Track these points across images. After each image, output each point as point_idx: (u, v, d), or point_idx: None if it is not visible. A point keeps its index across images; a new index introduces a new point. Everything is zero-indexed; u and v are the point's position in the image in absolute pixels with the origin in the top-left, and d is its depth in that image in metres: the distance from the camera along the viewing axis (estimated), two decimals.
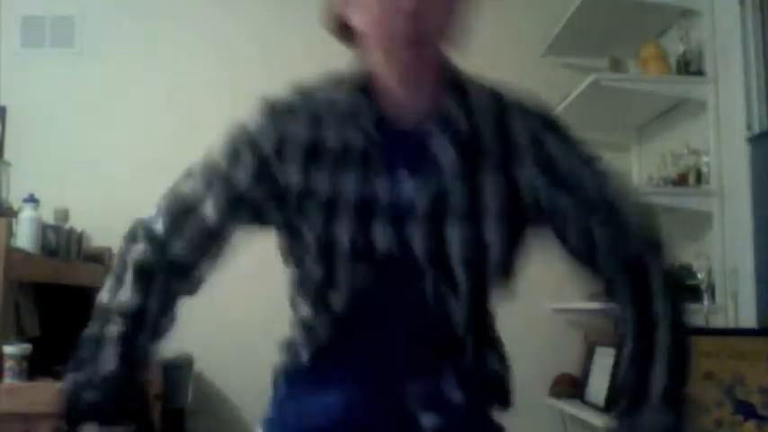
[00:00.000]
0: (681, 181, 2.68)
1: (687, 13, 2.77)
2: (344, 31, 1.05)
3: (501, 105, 1.07)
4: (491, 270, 1.02)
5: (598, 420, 2.62)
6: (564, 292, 3.18)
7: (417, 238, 0.98)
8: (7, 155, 3.22)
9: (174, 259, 1.04)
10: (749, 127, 2.39)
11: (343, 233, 0.97)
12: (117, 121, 3.43)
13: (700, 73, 2.65)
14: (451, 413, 1.03)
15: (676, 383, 0.98)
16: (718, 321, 2.40)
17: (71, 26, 3.50)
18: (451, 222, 0.98)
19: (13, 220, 2.48)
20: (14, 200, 2.68)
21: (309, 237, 0.99)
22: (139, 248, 1.04)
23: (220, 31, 3.50)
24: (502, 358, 1.14)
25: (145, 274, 1.03)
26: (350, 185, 0.98)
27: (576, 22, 3.04)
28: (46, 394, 2.24)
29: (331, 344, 1.03)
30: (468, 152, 1.01)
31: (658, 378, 0.98)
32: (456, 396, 1.04)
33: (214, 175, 1.05)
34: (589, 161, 1.06)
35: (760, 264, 2.29)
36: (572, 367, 3.17)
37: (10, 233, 2.37)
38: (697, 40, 2.70)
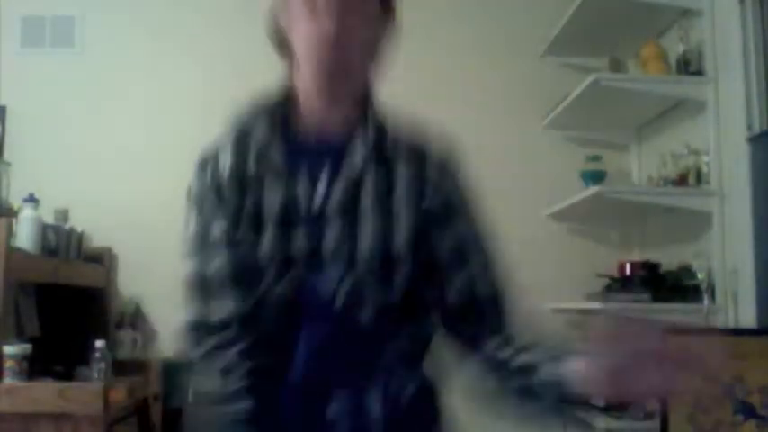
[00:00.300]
0: (681, 181, 2.68)
1: (687, 13, 2.77)
2: (283, 45, 1.15)
3: (418, 151, 1.16)
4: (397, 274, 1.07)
5: (598, 420, 2.62)
6: (564, 292, 3.19)
7: (329, 238, 1.06)
8: (7, 155, 3.22)
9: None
10: (749, 127, 2.39)
11: (267, 241, 1.06)
12: (117, 121, 3.43)
13: (700, 73, 2.65)
14: (369, 425, 1.06)
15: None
16: (718, 321, 2.40)
17: (71, 26, 3.50)
18: (363, 222, 1.06)
19: (13, 220, 2.48)
20: (14, 200, 2.69)
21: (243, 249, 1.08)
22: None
23: (221, 31, 3.49)
24: (427, 390, 1.13)
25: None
26: (272, 197, 1.08)
27: (576, 22, 3.04)
28: (46, 394, 2.24)
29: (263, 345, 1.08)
30: (381, 167, 1.10)
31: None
32: (375, 410, 1.06)
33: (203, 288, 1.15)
34: (484, 240, 1.17)
35: (760, 264, 2.29)
36: None
37: (10, 233, 2.37)
38: (697, 40, 2.70)
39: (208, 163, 1.16)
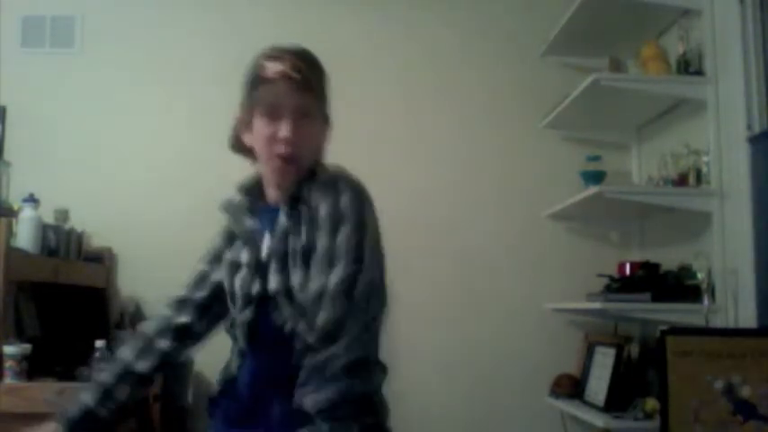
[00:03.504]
0: (681, 181, 2.68)
1: (687, 13, 2.77)
2: (240, 147, 1.50)
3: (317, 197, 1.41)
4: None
5: (598, 420, 2.62)
6: (564, 292, 3.19)
7: (271, 279, 1.38)
8: (7, 155, 3.22)
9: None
10: (749, 127, 2.39)
11: (235, 284, 1.45)
12: (117, 122, 3.43)
13: (700, 73, 2.65)
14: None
15: None
16: (718, 321, 2.40)
17: (71, 26, 3.50)
18: (292, 265, 1.37)
19: (13, 220, 2.48)
20: (14, 200, 2.68)
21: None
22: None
23: (220, 31, 3.50)
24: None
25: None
26: (240, 251, 1.47)
27: (576, 22, 3.04)
28: (46, 394, 2.24)
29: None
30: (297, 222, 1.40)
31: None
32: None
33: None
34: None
35: (760, 264, 2.29)
36: (572, 367, 3.18)
37: (10, 233, 2.37)
38: (697, 40, 2.70)
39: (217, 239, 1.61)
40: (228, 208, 1.53)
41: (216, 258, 1.57)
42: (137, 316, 3.25)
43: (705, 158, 2.60)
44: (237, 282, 1.43)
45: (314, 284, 1.31)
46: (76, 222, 2.93)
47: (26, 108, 3.40)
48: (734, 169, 2.45)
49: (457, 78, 3.47)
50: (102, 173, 3.37)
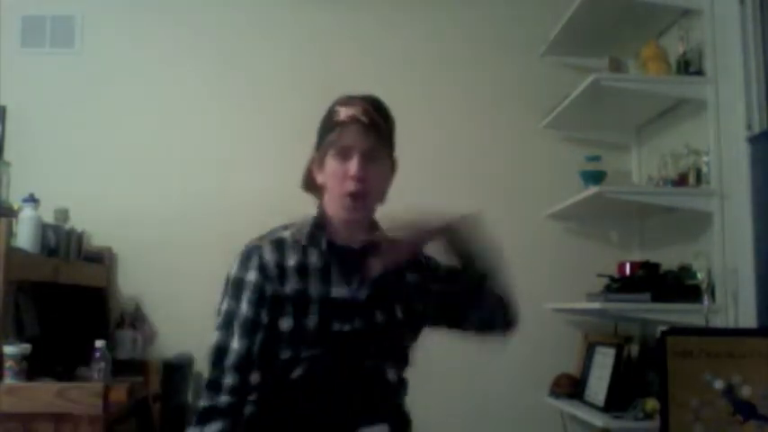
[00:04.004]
0: (681, 181, 2.68)
1: (687, 13, 2.78)
2: (311, 185, 1.58)
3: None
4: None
5: (598, 420, 2.62)
6: (564, 292, 3.19)
7: (359, 320, 1.47)
8: (7, 155, 3.22)
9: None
10: (749, 127, 2.39)
11: (311, 322, 1.44)
12: (117, 121, 3.43)
13: (700, 73, 2.65)
14: None
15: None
16: (718, 321, 2.40)
17: (71, 26, 3.50)
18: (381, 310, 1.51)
19: (13, 220, 2.48)
20: (14, 200, 2.68)
21: (284, 327, 1.44)
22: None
23: (220, 31, 3.50)
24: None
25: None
26: (313, 289, 1.46)
27: (576, 22, 3.05)
28: (46, 394, 2.24)
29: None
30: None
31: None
32: None
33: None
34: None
35: (760, 264, 2.29)
36: (572, 367, 3.18)
37: (10, 233, 2.37)
38: (697, 40, 2.70)
39: (252, 255, 1.49)
40: (280, 243, 1.52)
41: (263, 301, 1.48)
42: (137, 316, 3.25)
43: (705, 158, 2.60)
44: (311, 323, 1.44)
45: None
46: (76, 222, 2.93)
47: (26, 108, 3.40)
48: (734, 169, 2.45)
49: (457, 78, 3.47)
50: (102, 173, 3.37)
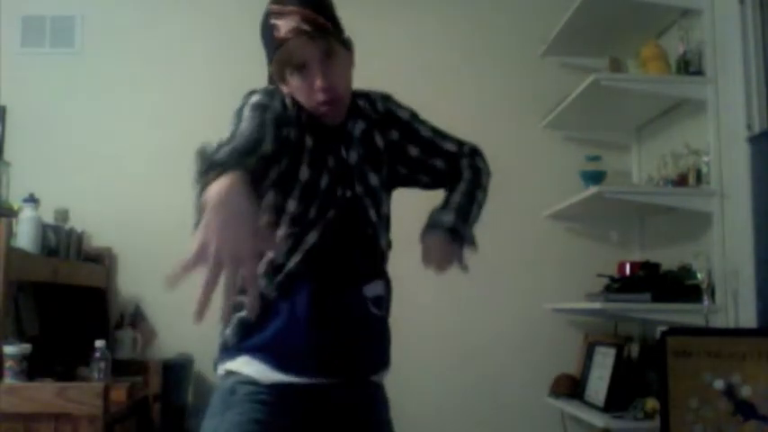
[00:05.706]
0: (681, 181, 2.68)
1: (687, 13, 2.78)
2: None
3: (371, 100, 1.65)
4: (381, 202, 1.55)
5: (598, 420, 2.62)
6: (564, 292, 3.19)
7: (359, 185, 1.50)
8: (7, 155, 3.22)
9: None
10: (749, 127, 2.39)
11: (324, 182, 1.44)
12: (117, 121, 3.43)
13: (700, 73, 2.65)
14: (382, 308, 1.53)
15: (464, 202, 1.60)
16: (719, 321, 2.40)
17: (71, 26, 3.50)
18: (369, 171, 1.53)
19: (13, 220, 2.48)
20: (14, 200, 2.69)
21: (303, 176, 1.43)
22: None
23: (220, 31, 3.50)
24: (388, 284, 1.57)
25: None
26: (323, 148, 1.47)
27: (576, 22, 3.04)
28: (46, 394, 2.24)
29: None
30: (368, 131, 1.57)
31: (456, 197, 1.60)
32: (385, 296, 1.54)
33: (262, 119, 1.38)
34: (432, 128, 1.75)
35: (760, 264, 2.29)
36: (572, 367, 3.18)
37: (10, 233, 2.37)
38: (697, 40, 2.70)
39: (274, 92, 1.47)
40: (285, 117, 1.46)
41: (282, 121, 1.42)
42: (137, 316, 3.25)
43: (705, 158, 2.60)
44: (324, 181, 1.44)
45: (450, 146, 1.71)
46: (76, 222, 2.93)
47: (26, 108, 3.40)
48: (734, 169, 2.45)
49: (457, 78, 3.47)
50: (102, 173, 3.37)
